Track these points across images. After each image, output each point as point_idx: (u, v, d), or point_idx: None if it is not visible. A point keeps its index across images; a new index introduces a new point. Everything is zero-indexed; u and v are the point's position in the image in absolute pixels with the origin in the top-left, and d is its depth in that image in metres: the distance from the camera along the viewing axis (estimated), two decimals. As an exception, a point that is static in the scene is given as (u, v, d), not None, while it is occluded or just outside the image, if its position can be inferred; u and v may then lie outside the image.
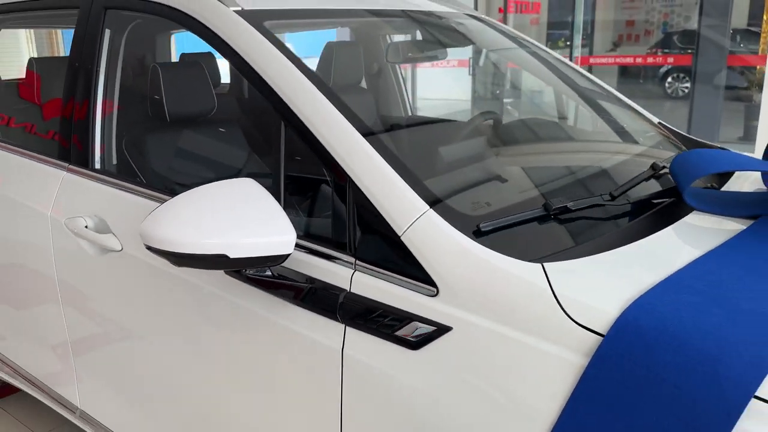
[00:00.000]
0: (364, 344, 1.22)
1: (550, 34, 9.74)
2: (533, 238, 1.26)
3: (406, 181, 1.25)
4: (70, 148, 1.85)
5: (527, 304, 1.09)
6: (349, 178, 1.28)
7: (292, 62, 1.42)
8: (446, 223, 1.20)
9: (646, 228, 1.32)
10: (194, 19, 1.56)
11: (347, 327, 1.24)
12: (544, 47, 2.30)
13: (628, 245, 1.23)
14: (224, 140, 2.06)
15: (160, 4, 1.65)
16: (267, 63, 1.43)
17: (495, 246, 1.17)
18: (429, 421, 1.14)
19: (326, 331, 1.27)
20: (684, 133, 2.12)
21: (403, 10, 1.99)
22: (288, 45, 1.48)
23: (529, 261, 1.13)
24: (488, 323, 1.11)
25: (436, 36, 2.15)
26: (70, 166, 1.85)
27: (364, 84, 2.58)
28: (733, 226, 1.36)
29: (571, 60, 8.34)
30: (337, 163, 1.30)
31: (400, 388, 1.18)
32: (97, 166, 1.82)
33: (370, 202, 1.25)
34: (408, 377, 1.17)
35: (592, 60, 8.87)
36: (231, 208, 1.23)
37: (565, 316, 1.05)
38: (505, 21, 9.34)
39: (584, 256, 1.18)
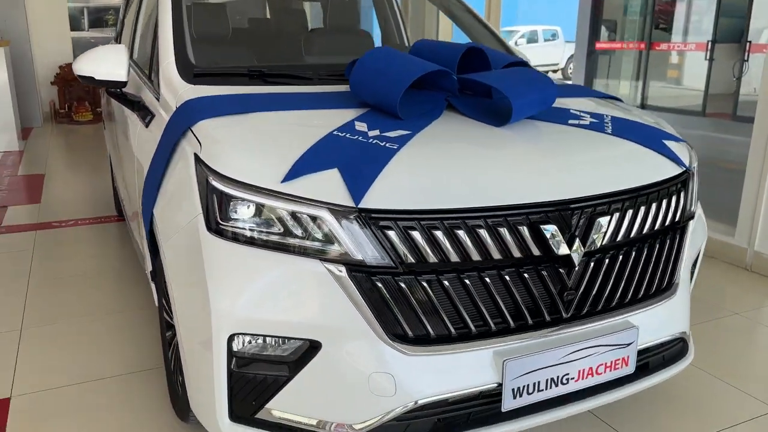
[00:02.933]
0: (142, 129, 2.43)
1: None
2: (217, 78, 2.29)
3: (174, 51, 2.39)
4: None
5: (172, 98, 2.17)
6: (158, 51, 2.46)
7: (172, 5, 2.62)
8: (174, 66, 2.31)
9: (293, 83, 2.27)
10: None
11: (142, 121, 2.46)
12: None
13: (256, 87, 2.20)
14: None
15: None
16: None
17: (196, 80, 2.25)
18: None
19: (136, 122, 2.51)
20: None
21: None
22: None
23: (192, 84, 2.20)
24: (162, 111, 2.23)
25: None
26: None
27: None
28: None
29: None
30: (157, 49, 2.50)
31: (144, 142, 2.36)
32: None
33: (158, 59, 2.43)
34: (145, 137, 2.35)
35: None
36: (103, 58, 2.52)
37: (175, 102, 2.11)
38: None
39: (224, 85, 2.19)
